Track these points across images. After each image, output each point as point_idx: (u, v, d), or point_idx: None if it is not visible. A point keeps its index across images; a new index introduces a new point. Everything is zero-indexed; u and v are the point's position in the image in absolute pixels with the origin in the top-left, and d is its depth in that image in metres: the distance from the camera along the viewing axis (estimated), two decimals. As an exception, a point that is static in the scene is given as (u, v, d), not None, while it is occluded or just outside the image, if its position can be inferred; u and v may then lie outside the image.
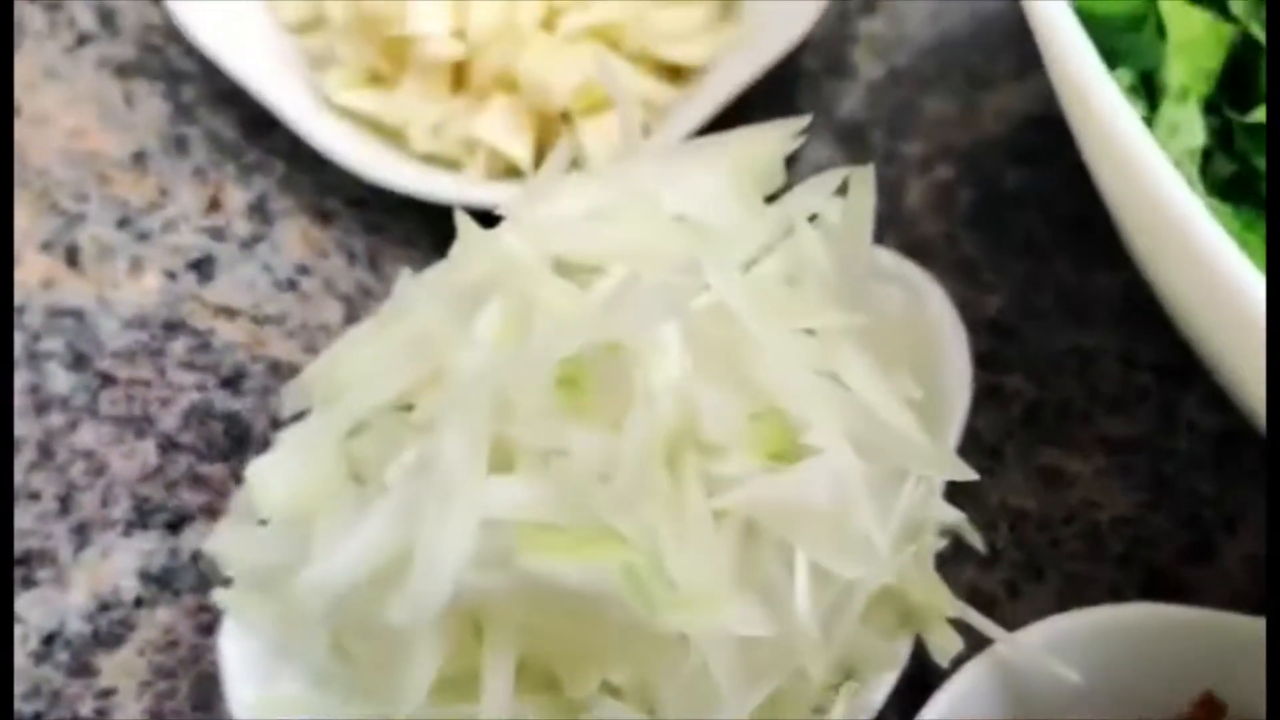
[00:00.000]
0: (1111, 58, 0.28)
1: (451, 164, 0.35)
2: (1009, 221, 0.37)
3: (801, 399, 0.23)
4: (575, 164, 0.34)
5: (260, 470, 0.26)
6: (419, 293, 0.28)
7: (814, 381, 0.24)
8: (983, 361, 0.33)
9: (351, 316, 0.35)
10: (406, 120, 0.34)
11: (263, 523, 0.27)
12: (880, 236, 0.36)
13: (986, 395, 0.34)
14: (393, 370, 0.26)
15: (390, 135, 0.35)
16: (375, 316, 0.29)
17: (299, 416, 0.29)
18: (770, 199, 0.29)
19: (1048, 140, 0.39)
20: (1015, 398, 0.34)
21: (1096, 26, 0.28)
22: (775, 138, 0.28)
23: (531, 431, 0.24)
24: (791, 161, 0.38)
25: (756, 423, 0.24)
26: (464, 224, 0.27)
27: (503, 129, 0.33)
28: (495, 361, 0.23)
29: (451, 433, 0.23)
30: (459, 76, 0.34)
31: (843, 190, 0.28)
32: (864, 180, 0.28)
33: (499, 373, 0.23)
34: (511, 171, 0.34)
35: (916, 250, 0.36)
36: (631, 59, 0.35)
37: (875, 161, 0.37)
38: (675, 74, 0.36)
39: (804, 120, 0.29)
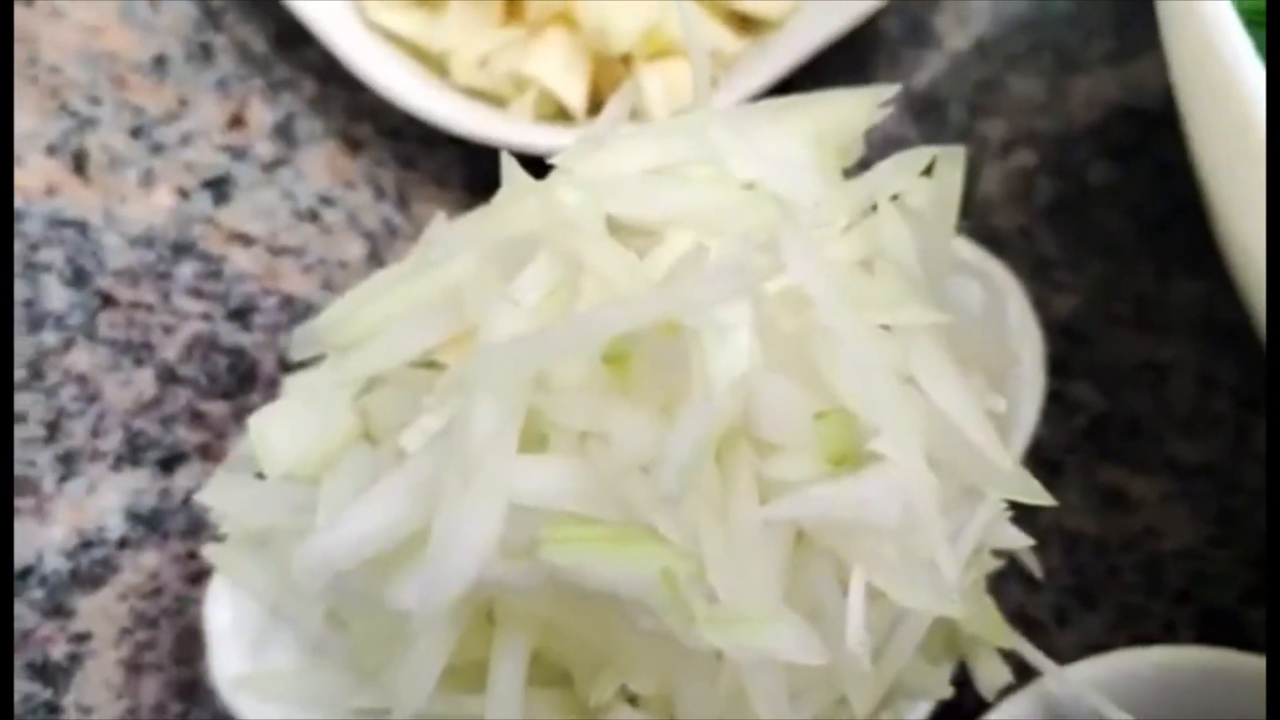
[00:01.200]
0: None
1: (497, 100, 0.32)
2: (1090, 218, 0.34)
3: (874, 401, 0.21)
4: (635, 114, 0.31)
5: (264, 421, 0.24)
6: (454, 240, 0.25)
7: (889, 383, 0.21)
8: (1051, 367, 0.30)
9: (374, 255, 0.33)
10: (451, 49, 0.32)
11: (261, 475, 0.25)
12: (950, 221, 0.34)
13: (1051, 402, 0.31)
14: (419, 324, 0.24)
15: (432, 63, 0.32)
16: (402, 261, 0.27)
17: (310, 362, 0.26)
18: (845, 175, 0.26)
19: (1138, 134, 0.36)
20: (1081, 408, 0.32)
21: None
22: (860, 105, 0.26)
23: (569, 409, 0.21)
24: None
25: (820, 422, 0.21)
26: (510, 168, 0.24)
27: (557, 68, 0.30)
28: (535, 329, 0.21)
29: (481, 403, 0.21)
30: (511, 6, 0.31)
31: (928, 172, 0.26)
32: (953, 161, 0.26)
33: (539, 342, 0.21)
34: (561, 115, 0.32)
35: (990, 241, 0.34)
36: (702, 2, 0.32)
37: (951, 140, 0.35)
38: (746, 24, 0.33)
39: (891, 89, 0.26)
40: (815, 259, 0.20)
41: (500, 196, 0.24)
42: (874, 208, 0.25)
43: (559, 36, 0.31)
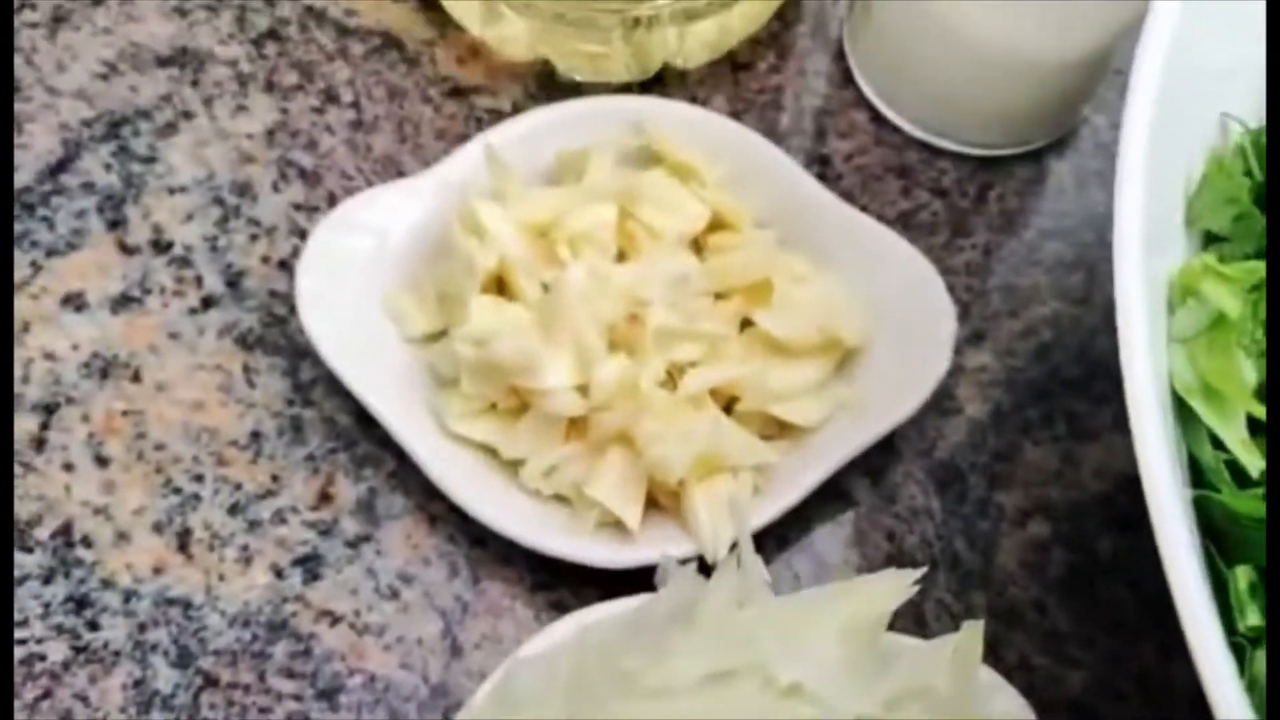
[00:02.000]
0: (1237, 550, 0.29)
1: (563, 500, 0.36)
2: (1099, 592, 0.38)
3: None
4: (684, 528, 0.35)
5: None
6: (531, 690, 0.29)
7: None
8: (1061, 749, 0.33)
9: (448, 632, 0.36)
10: (521, 458, 0.35)
11: None
12: (969, 600, 0.37)
13: (1062, 785, 0.34)
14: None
15: (503, 462, 0.36)
16: (485, 698, 0.30)
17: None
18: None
19: (1141, 504, 0.39)
20: (1089, 790, 0.35)
21: (1228, 519, 0.29)
22: (889, 591, 0.29)
23: None
24: (891, 501, 0.39)
25: None
26: (585, 655, 0.28)
27: (615, 491, 0.34)
28: None
29: None
30: (576, 422, 0.35)
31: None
32: (973, 636, 0.29)
33: None
34: (620, 522, 0.35)
35: (1005, 616, 0.37)
36: (745, 418, 0.35)
37: (971, 511, 0.39)
38: (784, 427, 0.36)
39: (917, 572, 0.29)
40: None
41: (573, 683, 0.28)
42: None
43: (618, 457, 0.34)
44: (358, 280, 0.37)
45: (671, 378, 0.35)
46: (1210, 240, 0.31)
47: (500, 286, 0.36)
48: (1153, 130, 0.27)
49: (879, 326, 0.36)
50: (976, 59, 0.39)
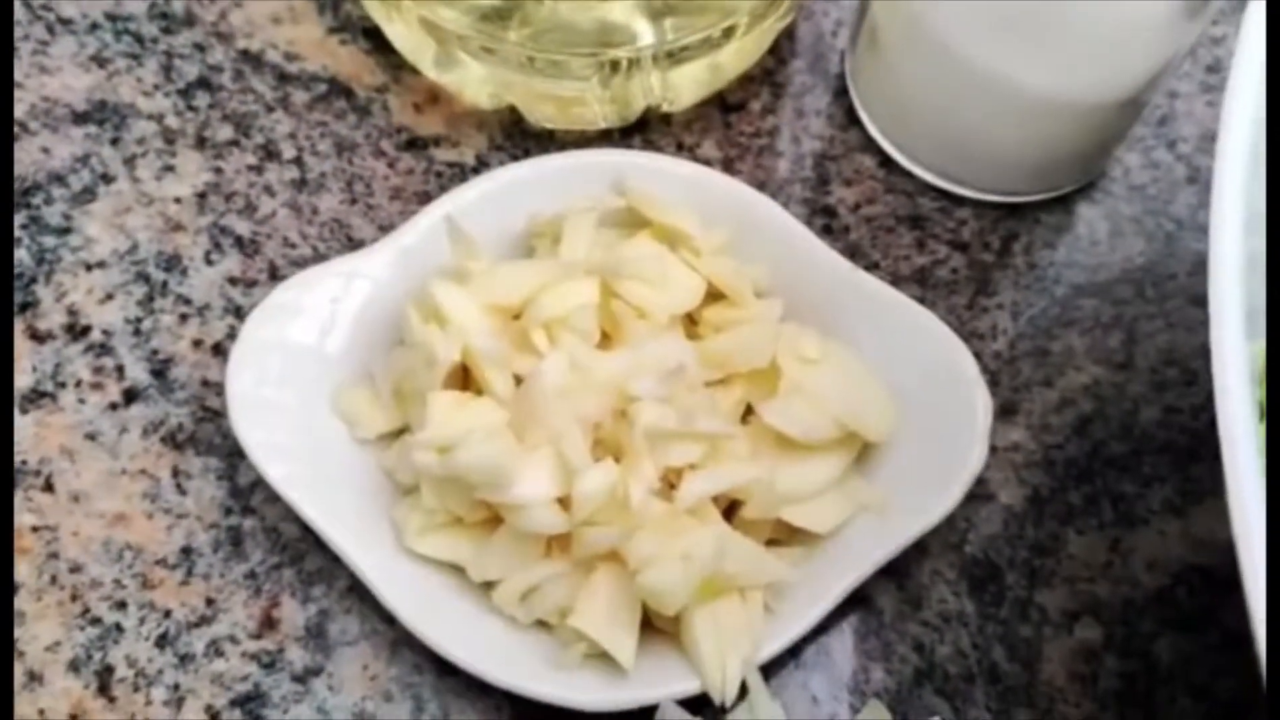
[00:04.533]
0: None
1: (542, 625, 0.31)
2: (1158, 702, 0.33)
3: None
4: (685, 654, 0.30)
5: None
6: None
7: None
8: None
9: (415, 781, 0.31)
10: (493, 579, 0.30)
11: None
12: (1012, 719, 0.32)
13: None
14: None
15: (473, 583, 0.31)
16: None
17: None
18: None
19: (1206, 599, 0.35)
20: None
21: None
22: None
23: None
24: (918, 606, 0.34)
25: None
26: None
27: (605, 623, 0.29)
28: None
29: None
30: (558, 536, 0.30)
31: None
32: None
33: None
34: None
35: (1057, 744, 0.33)
36: (751, 522, 0.31)
37: (1010, 615, 0.34)
38: (795, 532, 0.31)
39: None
40: None
41: None
42: None
43: (607, 578, 0.29)
44: (301, 376, 0.32)
45: (667, 481, 0.30)
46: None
47: (466, 377, 0.32)
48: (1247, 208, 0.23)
49: (902, 413, 0.32)
50: (1002, 98, 0.34)
